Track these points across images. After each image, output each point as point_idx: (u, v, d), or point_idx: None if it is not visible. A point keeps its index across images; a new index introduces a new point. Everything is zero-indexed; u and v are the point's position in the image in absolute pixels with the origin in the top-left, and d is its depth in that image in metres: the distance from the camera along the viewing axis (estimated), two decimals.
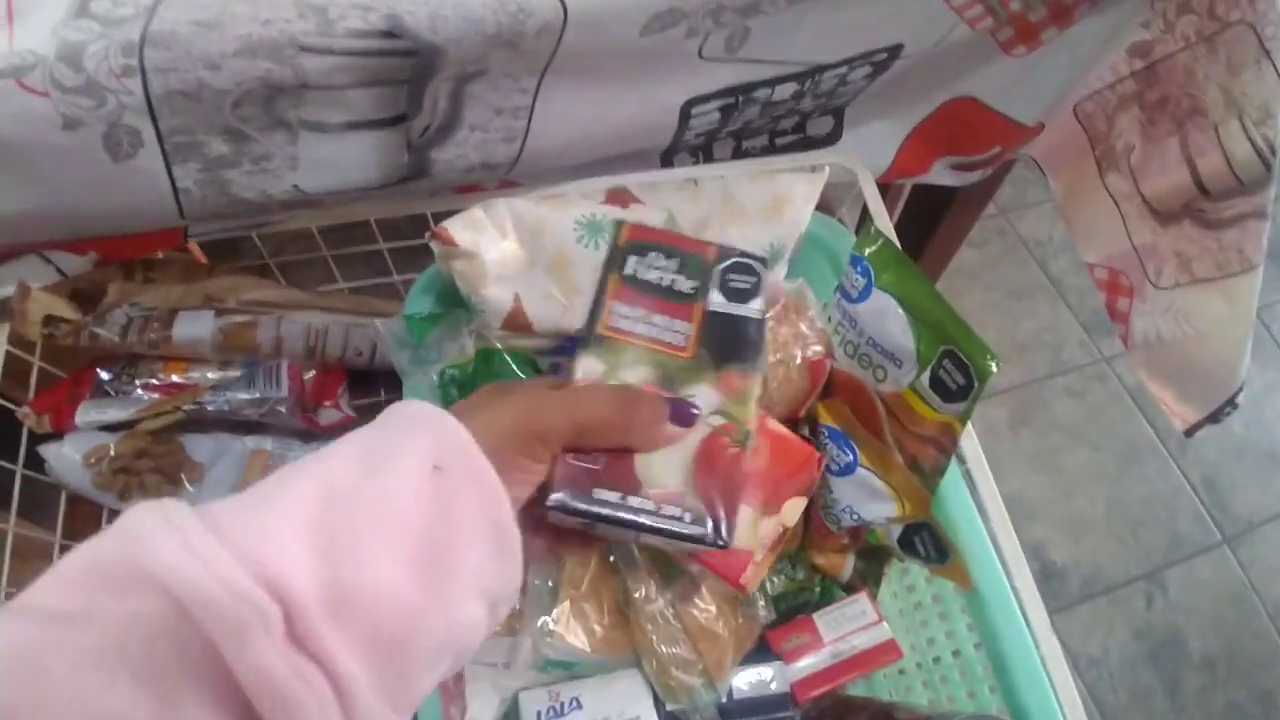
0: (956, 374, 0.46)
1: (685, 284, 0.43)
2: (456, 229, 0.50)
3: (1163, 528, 1.32)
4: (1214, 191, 0.62)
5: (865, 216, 0.65)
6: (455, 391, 0.53)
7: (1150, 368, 0.71)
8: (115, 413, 0.55)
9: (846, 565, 0.57)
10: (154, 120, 0.42)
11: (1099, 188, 0.71)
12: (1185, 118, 0.62)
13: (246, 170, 0.47)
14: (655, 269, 0.43)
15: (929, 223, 0.90)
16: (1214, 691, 1.21)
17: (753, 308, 0.43)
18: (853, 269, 0.51)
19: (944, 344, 0.46)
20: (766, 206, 0.55)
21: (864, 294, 0.51)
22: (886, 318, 0.49)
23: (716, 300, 0.43)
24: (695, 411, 0.37)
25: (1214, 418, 0.67)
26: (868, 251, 0.50)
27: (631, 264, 0.44)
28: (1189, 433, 0.69)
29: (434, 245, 0.50)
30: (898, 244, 0.50)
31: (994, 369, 0.43)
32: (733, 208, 0.55)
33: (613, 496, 0.35)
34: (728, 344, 0.41)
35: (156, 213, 0.48)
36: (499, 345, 0.54)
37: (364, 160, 0.50)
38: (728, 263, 0.45)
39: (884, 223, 0.63)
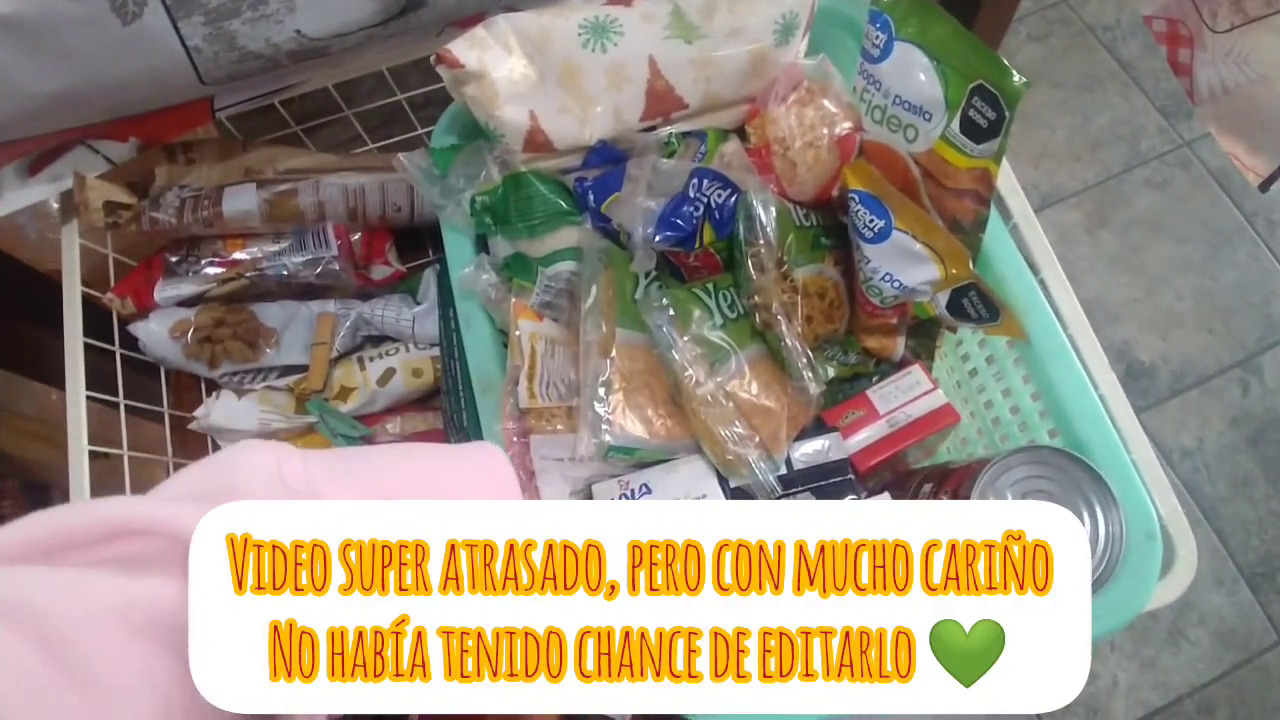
0: (987, 109, 0.44)
1: None
2: (461, 49, 0.50)
3: (1255, 312, 1.25)
4: None
5: None
6: (488, 219, 0.54)
7: (1219, 121, 0.67)
8: (188, 287, 0.59)
9: (898, 345, 0.57)
10: None
11: None
12: None
13: (247, 19, 0.48)
14: None
15: (969, 4, 0.83)
16: None
17: None
18: (872, 26, 0.49)
19: (972, 81, 0.44)
20: None
21: (886, 51, 0.48)
22: (911, 70, 0.47)
23: None
24: None
25: None
26: (886, 0, 0.47)
27: None
28: (1264, 186, 0.66)
29: (442, 71, 0.50)
30: None
31: (1022, 88, 0.41)
32: None
33: None
34: None
35: (177, 79, 0.50)
36: (524, 169, 0.54)
37: None
38: None
39: None
